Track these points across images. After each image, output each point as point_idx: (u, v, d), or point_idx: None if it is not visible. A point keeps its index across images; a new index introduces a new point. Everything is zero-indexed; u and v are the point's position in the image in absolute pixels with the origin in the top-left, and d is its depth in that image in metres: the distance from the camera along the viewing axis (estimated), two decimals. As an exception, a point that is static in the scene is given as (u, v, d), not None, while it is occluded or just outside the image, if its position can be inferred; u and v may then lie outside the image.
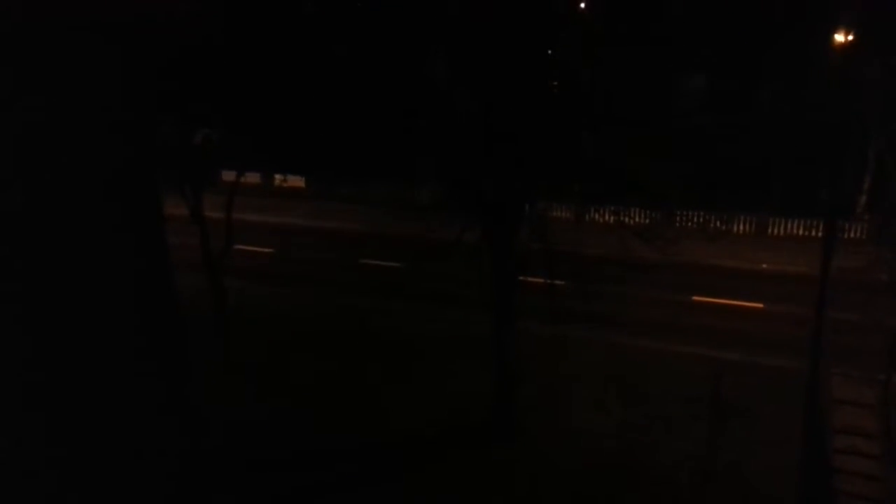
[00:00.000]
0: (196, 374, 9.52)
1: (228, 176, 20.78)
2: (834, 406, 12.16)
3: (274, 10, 11.75)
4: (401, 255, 22.01)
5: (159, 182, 9.02)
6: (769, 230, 24.69)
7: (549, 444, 13.21)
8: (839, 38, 22.67)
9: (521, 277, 13.48)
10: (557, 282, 15.10)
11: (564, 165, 12.96)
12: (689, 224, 23.97)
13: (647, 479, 12.20)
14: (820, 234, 15.29)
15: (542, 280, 13.98)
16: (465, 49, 11.95)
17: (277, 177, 21.88)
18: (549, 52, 12.88)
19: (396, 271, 22.34)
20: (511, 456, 12.98)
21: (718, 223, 23.61)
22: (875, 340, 13.44)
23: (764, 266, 21.92)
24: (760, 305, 19.10)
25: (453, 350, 16.63)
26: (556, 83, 13.11)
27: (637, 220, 23.29)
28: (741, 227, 24.77)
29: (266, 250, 24.23)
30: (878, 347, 13.24)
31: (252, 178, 23.37)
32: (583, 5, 13.17)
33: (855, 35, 22.76)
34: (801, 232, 23.97)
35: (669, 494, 11.84)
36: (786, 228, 24.41)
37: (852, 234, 22.76)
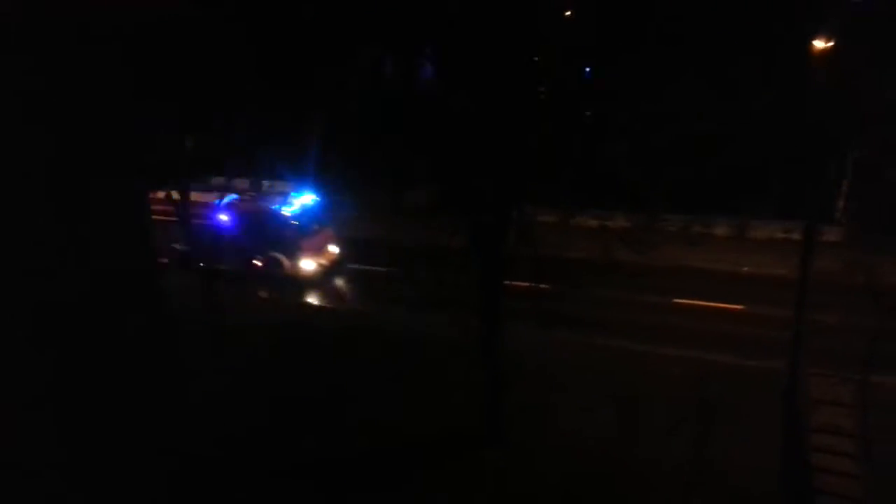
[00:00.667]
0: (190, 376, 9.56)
1: (217, 182, 20.91)
2: (812, 406, 12.44)
3: (269, 13, 11.83)
4: (393, 261, 22.06)
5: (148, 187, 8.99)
6: (749, 234, 25.08)
7: (538, 449, 13.32)
8: (819, 44, 23.10)
9: (507, 281, 13.64)
10: (543, 285, 15.29)
11: (553, 169, 13.15)
12: (671, 228, 24.20)
13: (637, 481, 12.35)
14: (799, 237, 15.61)
15: (528, 284, 14.15)
16: (455, 52, 12.08)
17: (265, 182, 22.19)
18: (537, 58, 13.05)
19: (385, 276, 22.40)
20: (501, 461, 13.04)
21: (700, 227, 23.90)
22: (852, 341, 13.73)
23: (745, 269, 22.28)
24: (742, 307, 19.44)
25: (440, 354, 16.74)
26: (545, 88, 13.27)
27: (620, 224, 23.58)
28: (722, 231, 25.13)
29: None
30: (855, 348, 13.53)
31: (239, 183, 23.66)
32: (568, 13, 13.35)
33: (835, 42, 23.20)
34: (780, 235, 24.35)
35: (659, 496, 12.03)
36: (766, 232, 24.80)
37: (831, 238, 23.16)
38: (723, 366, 15.81)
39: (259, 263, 21.81)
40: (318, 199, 22.52)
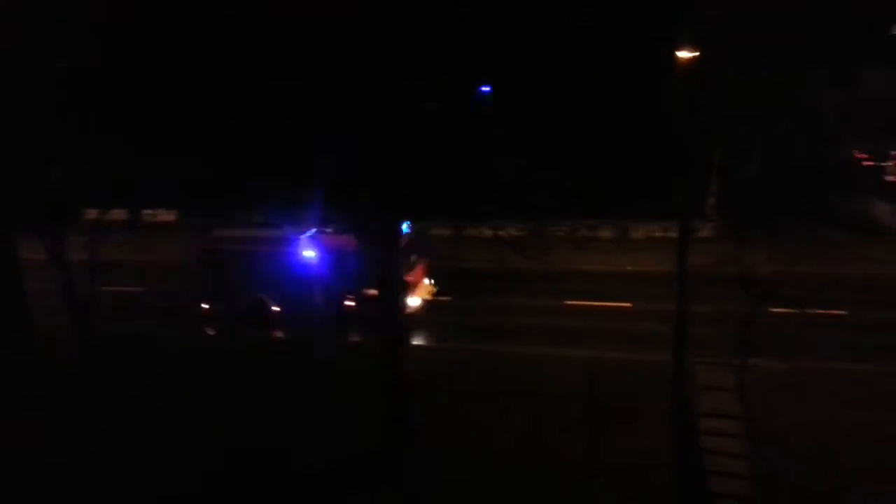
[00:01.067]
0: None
1: (91, 214, 19.60)
2: (699, 392, 13.22)
3: (146, 33, 11.35)
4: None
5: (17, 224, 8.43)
6: (631, 235, 26.41)
7: (447, 462, 13.22)
8: (683, 54, 24.73)
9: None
10: (442, 297, 15.44)
11: (443, 183, 13.36)
12: (560, 233, 25.09)
13: (549, 479, 12.53)
14: (676, 235, 16.67)
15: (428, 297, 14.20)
16: (343, 72, 12.06)
17: (146, 212, 20.73)
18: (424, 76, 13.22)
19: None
20: (408, 480, 12.83)
21: (586, 231, 24.89)
22: (730, 329, 14.73)
23: (628, 268, 23.43)
24: (629, 305, 20.40)
25: (339, 375, 16.52)
26: (431, 104, 13.46)
27: (512, 233, 24.20)
28: (607, 234, 26.30)
29: (138, 290, 23.07)
30: (732, 335, 14.52)
31: (118, 214, 22.14)
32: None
33: (697, 51, 24.93)
34: (658, 234, 25.79)
35: (571, 489, 12.30)
36: (646, 232, 26.20)
37: (704, 234, 24.77)
38: (617, 361, 16.54)
39: (352, 304, 19.69)
40: (411, 226, 20.28)
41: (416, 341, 19.14)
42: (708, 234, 24.93)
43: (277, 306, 20.12)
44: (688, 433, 12.64)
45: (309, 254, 19.67)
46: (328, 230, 20.01)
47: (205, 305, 20.35)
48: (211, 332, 20.23)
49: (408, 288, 19.38)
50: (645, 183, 25.42)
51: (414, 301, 19.58)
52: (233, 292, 20.11)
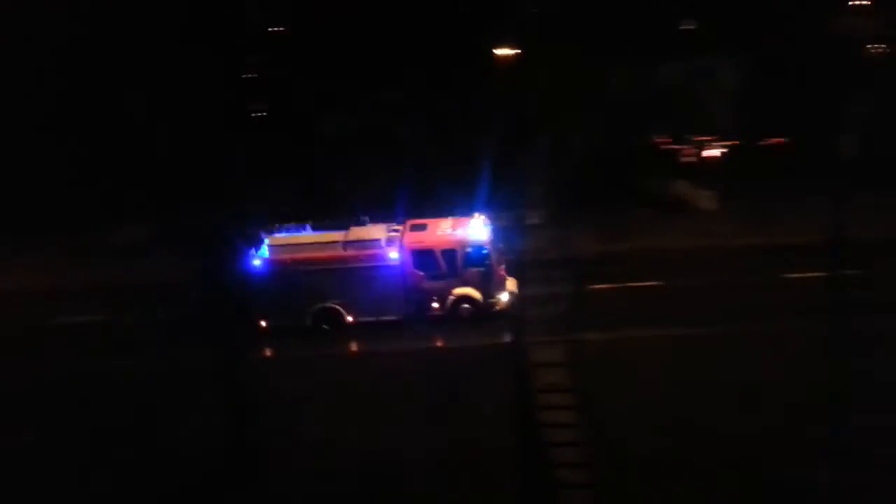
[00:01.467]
0: None
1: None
2: (534, 369, 13.88)
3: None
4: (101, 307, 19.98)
5: None
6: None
7: (289, 475, 12.96)
8: (505, 52, 25.86)
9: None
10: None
11: (280, 194, 13.18)
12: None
13: (391, 474, 12.74)
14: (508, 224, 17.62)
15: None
16: (164, 86, 11.55)
17: None
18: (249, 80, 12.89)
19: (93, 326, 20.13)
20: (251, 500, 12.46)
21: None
22: (559, 307, 15.64)
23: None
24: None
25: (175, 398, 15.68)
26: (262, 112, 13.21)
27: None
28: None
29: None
30: (562, 313, 15.43)
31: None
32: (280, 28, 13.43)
33: (519, 48, 26.17)
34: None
35: (415, 480, 12.57)
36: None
37: (534, 221, 26.05)
38: (460, 349, 17.09)
39: (437, 305, 18.54)
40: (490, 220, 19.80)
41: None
42: (537, 221, 26.25)
43: (352, 315, 18.59)
44: (526, 409, 13.24)
45: (391, 254, 18.43)
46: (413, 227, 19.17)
47: (262, 322, 18.01)
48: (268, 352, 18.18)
49: (501, 282, 19.00)
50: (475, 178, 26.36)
51: (504, 296, 19.11)
52: (299, 303, 18.22)
